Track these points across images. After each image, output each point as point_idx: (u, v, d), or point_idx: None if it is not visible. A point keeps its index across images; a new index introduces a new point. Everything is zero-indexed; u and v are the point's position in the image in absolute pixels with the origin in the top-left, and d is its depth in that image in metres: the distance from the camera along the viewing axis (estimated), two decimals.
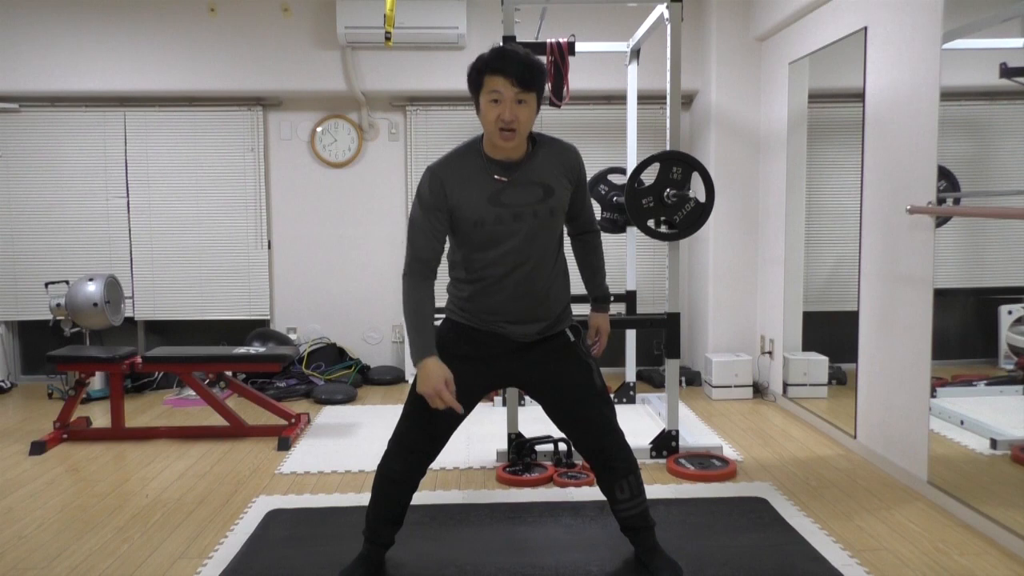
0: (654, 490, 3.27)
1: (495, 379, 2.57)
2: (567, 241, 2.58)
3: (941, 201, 3.21)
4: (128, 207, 5.50)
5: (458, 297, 2.49)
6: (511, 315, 2.42)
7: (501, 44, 2.33)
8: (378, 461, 2.52)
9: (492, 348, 2.45)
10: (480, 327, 2.44)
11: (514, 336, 2.44)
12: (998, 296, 3.83)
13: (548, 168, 2.42)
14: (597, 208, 4.78)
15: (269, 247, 5.59)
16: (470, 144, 2.42)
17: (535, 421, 3.95)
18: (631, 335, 4.88)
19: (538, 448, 3.64)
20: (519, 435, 3.63)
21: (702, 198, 3.57)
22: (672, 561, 2.54)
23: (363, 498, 3.20)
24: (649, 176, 3.52)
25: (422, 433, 2.45)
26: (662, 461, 3.67)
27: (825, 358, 4.58)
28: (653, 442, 3.71)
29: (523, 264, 2.38)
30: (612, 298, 2.77)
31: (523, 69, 2.25)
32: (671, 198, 3.52)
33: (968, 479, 3.13)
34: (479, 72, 2.29)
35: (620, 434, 2.53)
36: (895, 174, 3.46)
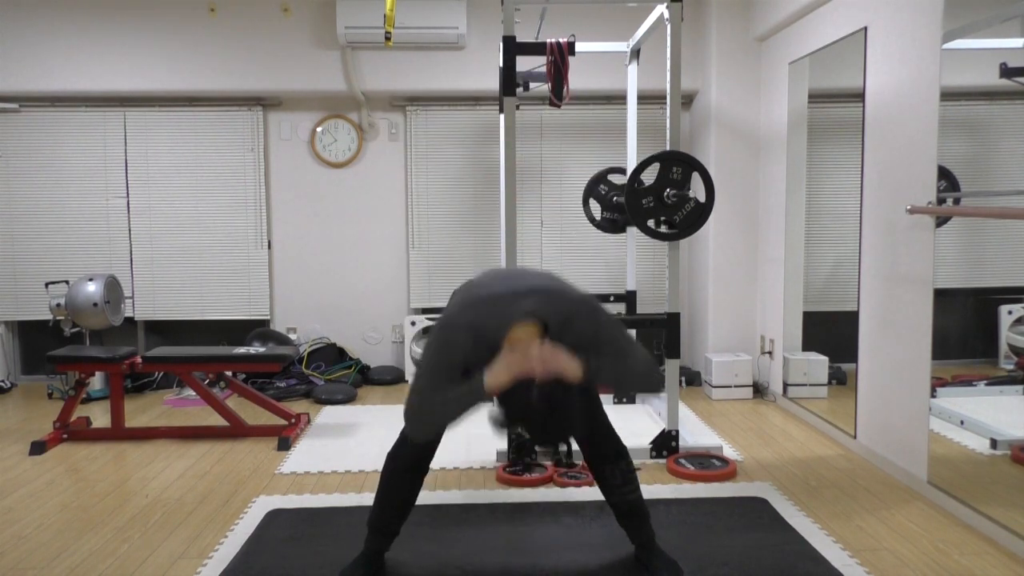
0: (654, 490, 3.27)
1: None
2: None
3: (941, 201, 3.21)
4: (128, 207, 5.50)
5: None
6: None
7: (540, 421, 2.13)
8: (379, 461, 2.55)
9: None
10: None
11: None
12: (998, 296, 3.83)
13: None
14: (597, 209, 4.77)
15: (269, 247, 5.59)
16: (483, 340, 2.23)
17: None
18: (631, 335, 4.87)
19: (538, 448, 3.64)
20: (519, 435, 3.62)
21: (702, 198, 3.57)
22: (672, 561, 2.54)
23: (363, 498, 3.21)
24: (649, 176, 3.52)
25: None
26: (662, 461, 3.67)
27: (825, 358, 4.58)
28: (653, 442, 3.71)
29: None
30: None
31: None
32: (671, 198, 3.52)
33: (968, 479, 3.13)
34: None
35: (609, 426, 2.58)
36: (895, 174, 3.46)
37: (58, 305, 4.78)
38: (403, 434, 2.52)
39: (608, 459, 2.55)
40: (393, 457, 2.52)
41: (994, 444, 3.25)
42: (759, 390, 5.01)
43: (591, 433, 2.55)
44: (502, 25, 3.56)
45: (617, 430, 2.61)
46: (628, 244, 4.80)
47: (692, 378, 5.29)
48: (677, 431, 3.70)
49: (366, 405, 4.91)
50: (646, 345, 5.14)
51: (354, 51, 5.27)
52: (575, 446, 2.61)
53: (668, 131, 3.62)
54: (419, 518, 2.95)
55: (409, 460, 2.49)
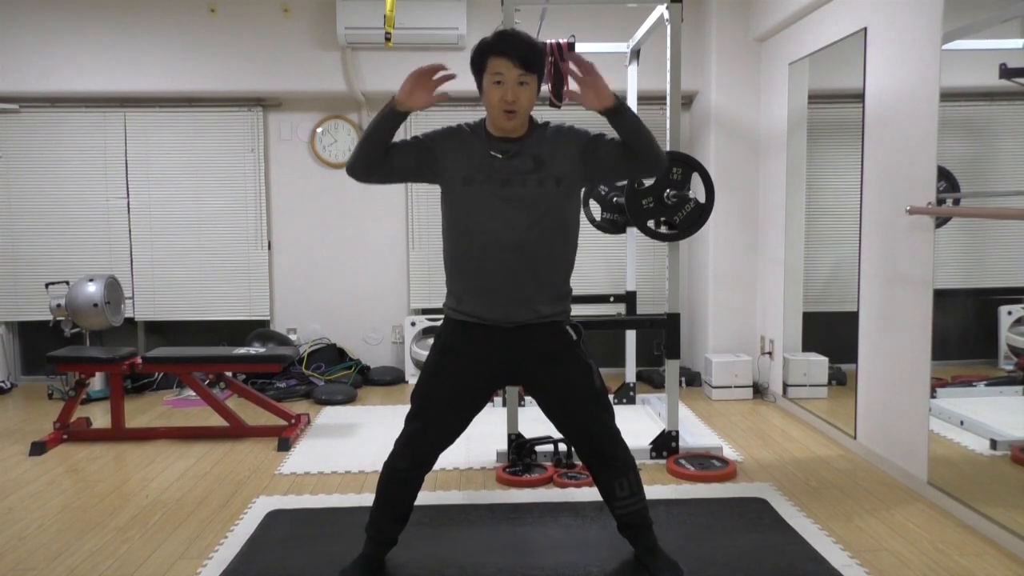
0: (654, 490, 3.27)
1: (498, 377, 2.55)
2: None
3: (941, 201, 3.21)
4: (128, 207, 5.50)
5: (452, 292, 2.49)
6: (499, 290, 2.40)
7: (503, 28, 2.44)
8: (379, 461, 2.53)
9: (491, 341, 2.43)
10: (475, 318, 2.43)
11: (507, 321, 2.41)
12: (998, 296, 3.84)
13: (542, 144, 2.44)
14: (596, 209, 4.78)
15: (269, 247, 5.59)
16: (473, 124, 2.50)
17: (535, 421, 3.95)
18: (631, 335, 4.88)
19: (538, 448, 3.64)
20: (519, 435, 3.63)
21: (702, 198, 3.57)
22: (672, 561, 2.54)
23: (363, 498, 3.21)
24: None
25: (430, 435, 2.47)
26: (662, 461, 3.67)
27: (825, 358, 4.58)
28: (653, 442, 3.71)
29: (513, 242, 2.37)
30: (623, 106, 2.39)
31: (525, 51, 2.34)
32: (671, 198, 3.52)
33: (968, 479, 3.13)
34: (483, 55, 2.36)
35: (618, 435, 2.54)
36: (895, 174, 3.46)
37: (58, 305, 4.78)
38: (398, 442, 2.50)
39: (617, 471, 2.50)
40: (389, 466, 2.50)
41: (994, 444, 3.26)
42: (759, 390, 5.01)
43: (605, 444, 2.50)
44: (502, 26, 3.56)
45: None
46: (628, 245, 4.80)
47: (692, 378, 5.30)
48: (677, 431, 3.71)
49: (366, 406, 4.91)
50: (647, 345, 5.15)
51: (354, 51, 5.27)
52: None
53: (668, 131, 3.62)
54: (419, 518, 2.94)
55: (404, 470, 2.48)
